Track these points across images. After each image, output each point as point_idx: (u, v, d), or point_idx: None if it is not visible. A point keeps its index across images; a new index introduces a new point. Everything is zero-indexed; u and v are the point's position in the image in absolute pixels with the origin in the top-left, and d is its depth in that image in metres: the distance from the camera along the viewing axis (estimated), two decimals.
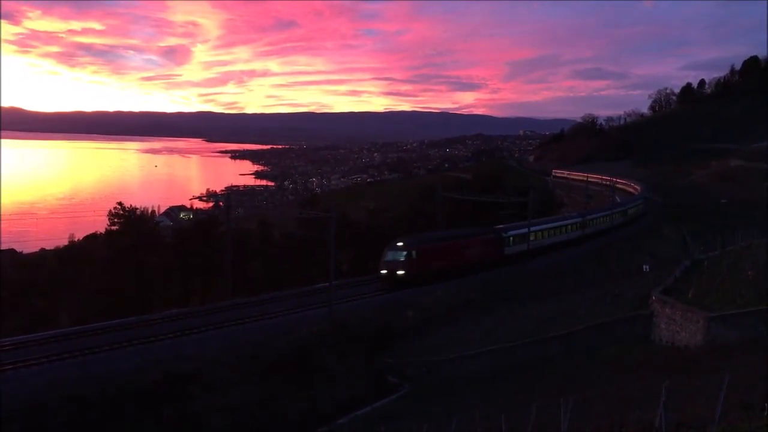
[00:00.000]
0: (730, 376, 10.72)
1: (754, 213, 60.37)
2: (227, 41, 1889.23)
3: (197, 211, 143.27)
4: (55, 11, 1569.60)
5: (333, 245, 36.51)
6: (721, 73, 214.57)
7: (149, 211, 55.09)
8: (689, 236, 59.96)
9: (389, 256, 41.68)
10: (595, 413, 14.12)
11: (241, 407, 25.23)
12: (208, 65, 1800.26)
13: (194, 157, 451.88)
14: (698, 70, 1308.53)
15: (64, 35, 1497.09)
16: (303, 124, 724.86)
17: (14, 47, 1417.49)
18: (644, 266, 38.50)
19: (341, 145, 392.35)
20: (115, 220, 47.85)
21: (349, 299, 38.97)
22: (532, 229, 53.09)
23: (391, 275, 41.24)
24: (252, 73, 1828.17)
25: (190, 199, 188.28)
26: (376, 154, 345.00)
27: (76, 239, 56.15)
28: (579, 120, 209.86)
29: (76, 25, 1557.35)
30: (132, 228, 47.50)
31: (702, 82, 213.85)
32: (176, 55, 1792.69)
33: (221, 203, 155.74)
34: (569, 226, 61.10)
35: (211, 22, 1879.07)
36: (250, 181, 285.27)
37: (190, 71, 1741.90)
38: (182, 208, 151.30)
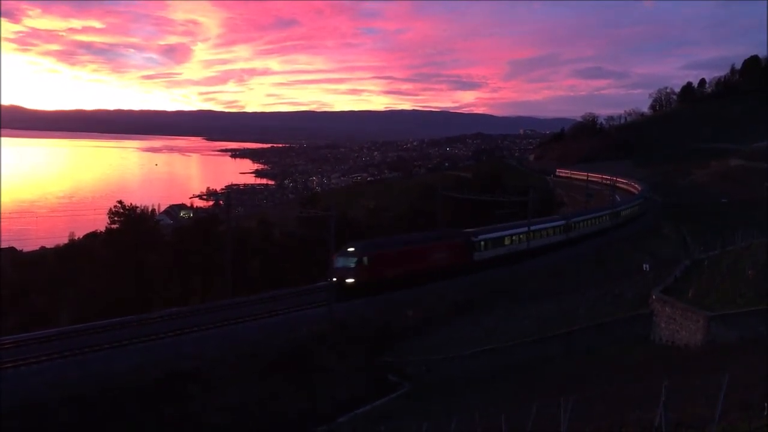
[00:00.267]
0: (729, 376, 10.73)
1: (754, 213, 60.48)
2: (228, 40, 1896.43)
3: (197, 210, 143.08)
4: (55, 9, 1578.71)
5: (333, 244, 36.57)
6: (721, 72, 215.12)
7: (149, 209, 54.99)
8: (689, 236, 60.03)
9: (339, 262, 37.85)
10: (595, 413, 14.12)
11: (241, 406, 25.24)
12: (209, 64, 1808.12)
13: (194, 156, 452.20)
14: (699, 69, 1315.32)
15: (64, 33, 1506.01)
16: (303, 123, 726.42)
17: (14, 45, 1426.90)
18: (644, 266, 38.56)
19: (341, 144, 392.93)
20: (115, 218, 47.98)
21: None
22: (507, 232, 50.10)
23: (341, 284, 37.42)
24: (252, 72, 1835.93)
25: (191, 198, 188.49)
26: (376, 153, 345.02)
27: (76, 238, 56.22)
28: (579, 119, 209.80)
29: (76, 23, 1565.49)
30: (132, 226, 47.59)
31: (702, 82, 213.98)
32: (176, 53, 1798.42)
33: (221, 202, 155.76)
34: (550, 230, 57.21)
35: (211, 21, 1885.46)
36: (251, 179, 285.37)
37: (191, 70, 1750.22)
38: (182, 206, 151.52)
